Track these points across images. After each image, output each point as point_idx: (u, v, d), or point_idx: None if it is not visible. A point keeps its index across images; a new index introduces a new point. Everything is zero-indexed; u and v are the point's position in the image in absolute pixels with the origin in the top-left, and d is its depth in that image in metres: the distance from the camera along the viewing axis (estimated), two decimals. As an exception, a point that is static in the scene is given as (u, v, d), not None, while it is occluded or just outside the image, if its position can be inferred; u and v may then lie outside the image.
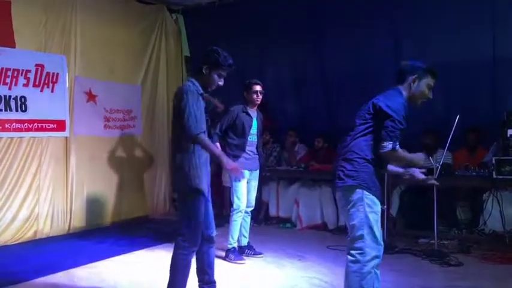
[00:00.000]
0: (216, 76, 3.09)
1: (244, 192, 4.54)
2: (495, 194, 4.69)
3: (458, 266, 4.17)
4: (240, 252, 4.57)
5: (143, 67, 6.70)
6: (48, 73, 5.47)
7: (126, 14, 6.45)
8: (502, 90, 5.29)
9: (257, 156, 4.67)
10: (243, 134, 4.55)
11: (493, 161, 4.53)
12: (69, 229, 5.70)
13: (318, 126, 6.41)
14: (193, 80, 3.12)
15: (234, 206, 4.55)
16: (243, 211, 4.56)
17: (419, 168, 3.04)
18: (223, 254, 4.60)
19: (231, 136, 4.57)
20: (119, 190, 6.33)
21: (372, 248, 2.66)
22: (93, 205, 6.03)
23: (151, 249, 4.87)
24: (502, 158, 4.48)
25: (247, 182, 4.60)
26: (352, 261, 2.69)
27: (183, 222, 3.04)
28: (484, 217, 4.82)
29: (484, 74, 5.31)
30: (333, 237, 5.43)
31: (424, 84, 2.76)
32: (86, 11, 5.90)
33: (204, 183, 3.03)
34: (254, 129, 4.64)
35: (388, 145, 2.60)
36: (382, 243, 2.72)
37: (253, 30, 6.65)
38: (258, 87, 4.55)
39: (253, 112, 4.64)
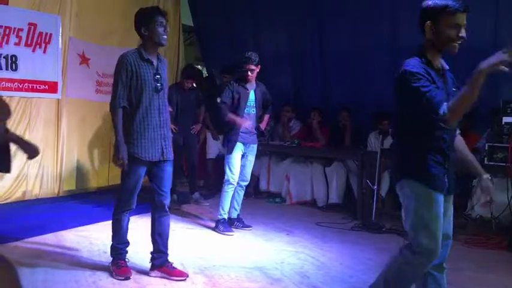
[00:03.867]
0: (154, 27, 3.01)
1: (237, 164, 4.53)
2: (485, 180, 4.71)
3: (443, 249, 4.23)
4: (229, 224, 4.59)
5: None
6: (41, 33, 5.35)
7: (124, -24, 6.28)
8: (498, 76, 5.27)
9: (255, 131, 4.66)
10: (238, 107, 4.52)
11: (486, 147, 4.54)
12: (58, 192, 5.68)
13: (313, 102, 6.39)
14: (140, 46, 3.09)
15: (226, 177, 4.55)
16: (235, 183, 4.55)
17: None
18: (213, 224, 4.64)
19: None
20: (108, 154, 6.28)
21: None
22: (84, 169, 6.00)
23: (141, 216, 4.87)
24: (495, 144, 4.49)
25: (243, 156, 4.60)
26: None
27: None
28: (472, 202, 4.86)
29: (479, 60, 5.27)
30: (322, 214, 5.48)
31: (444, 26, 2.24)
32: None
33: (140, 150, 3.05)
34: (251, 102, 4.60)
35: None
36: None
37: (252, 2, 6.53)
38: (249, 66, 4.50)
39: (250, 85, 4.60)
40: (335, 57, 6.15)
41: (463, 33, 2.24)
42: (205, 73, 8.20)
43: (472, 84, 2.00)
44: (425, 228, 2.25)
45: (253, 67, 4.53)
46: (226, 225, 4.54)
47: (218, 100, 5.18)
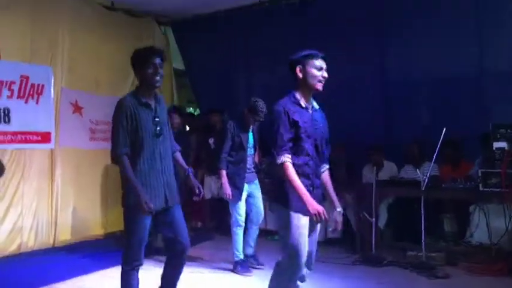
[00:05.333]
0: (146, 69, 2.90)
1: (243, 206, 4.58)
2: (481, 206, 4.72)
3: (446, 279, 4.19)
4: (247, 264, 4.59)
5: (129, 79, 6.63)
6: (33, 84, 5.41)
7: (114, 26, 6.42)
8: (487, 102, 5.37)
9: (254, 169, 4.71)
10: (242, 149, 4.57)
11: (479, 174, 4.56)
12: (54, 242, 5.60)
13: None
14: (135, 90, 2.98)
15: (233, 219, 4.59)
16: (243, 224, 4.59)
17: None
18: (231, 266, 4.65)
19: (230, 153, 4.59)
20: (105, 202, 6.25)
21: None
22: (79, 218, 5.94)
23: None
24: (488, 170, 4.51)
25: (249, 196, 4.63)
26: None
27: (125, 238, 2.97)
28: (470, 229, 4.85)
29: (468, 87, 5.38)
30: (322, 249, 5.33)
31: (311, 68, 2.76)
32: (73, 22, 5.87)
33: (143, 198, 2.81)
34: (250, 143, 4.67)
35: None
36: None
37: (243, 42, 6.68)
38: (259, 117, 4.50)
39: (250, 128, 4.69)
40: (326, 93, 6.23)
41: (325, 74, 2.76)
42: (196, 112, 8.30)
43: (303, 197, 2.60)
44: (293, 245, 2.65)
45: (263, 116, 4.54)
46: (244, 265, 4.55)
47: (210, 141, 5.23)
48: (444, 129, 4.41)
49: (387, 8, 5.64)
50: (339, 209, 2.89)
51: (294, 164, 2.67)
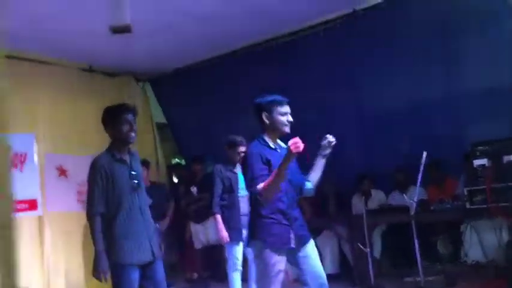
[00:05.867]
0: (119, 126, 2.95)
1: (240, 249, 4.51)
2: (472, 224, 4.76)
3: (446, 301, 4.17)
4: None
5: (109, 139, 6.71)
6: (16, 154, 5.42)
7: (94, 86, 6.52)
8: (464, 122, 5.50)
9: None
10: (232, 192, 4.56)
11: (465, 192, 4.63)
12: (49, 311, 5.46)
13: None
14: (107, 148, 3.02)
15: (231, 263, 4.50)
16: (241, 268, 4.50)
17: None
18: None
19: (222, 197, 4.57)
20: (87, 268, 6.12)
21: None
22: (72, 282, 5.81)
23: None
24: (472, 188, 4.58)
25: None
26: None
27: None
28: (464, 248, 4.86)
29: (443, 108, 5.53)
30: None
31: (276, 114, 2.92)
32: (53, 86, 5.98)
33: (127, 255, 2.85)
34: (242, 184, 4.64)
35: None
36: None
37: (221, 91, 6.82)
38: (242, 148, 4.54)
39: (237, 167, 4.63)
40: (305, 130, 6.32)
41: (290, 118, 2.92)
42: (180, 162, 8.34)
43: (282, 168, 2.63)
44: (266, 281, 2.75)
45: (244, 149, 4.55)
46: None
47: (193, 190, 5.26)
48: (425, 152, 4.50)
49: (357, 41, 5.82)
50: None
51: (269, 202, 2.78)
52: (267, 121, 2.93)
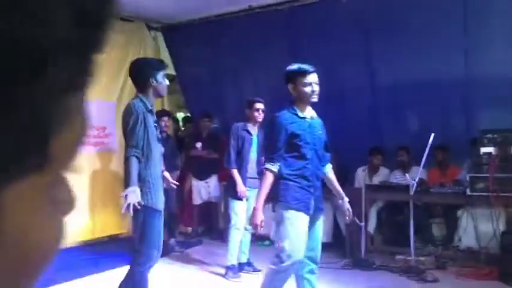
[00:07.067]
0: (159, 80, 3.07)
1: (242, 209, 4.51)
2: (469, 210, 4.77)
3: (435, 282, 4.22)
4: (239, 269, 4.54)
5: (119, 84, 6.63)
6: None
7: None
8: (474, 108, 5.44)
9: (257, 175, 4.65)
10: (242, 152, 4.55)
11: (467, 178, 4.62)
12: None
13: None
14: (142, 95, 3.08)
15: (232, 222, 4.52)
16: (242, 228, 4.51)
17: None
18: (223, 271, 4.60)
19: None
20: (92, 208, 6.21)
21: None
22: (68, 223, 5.87)
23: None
24: (475, 175, 4.57)
25: (247, 200, 4.54)
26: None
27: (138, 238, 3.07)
28: (458, 233, 4.89)
29: (456, 92, 5.45)
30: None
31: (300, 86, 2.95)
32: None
33: (156, 200, 3.05)
34: (254, 146, 4.64)
35: None
36: None
37: (233, 48, 6.69)
38: (259, 105, 4.58)
39: (253, 129, 4.64)
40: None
41: (315, 88, 2.93)
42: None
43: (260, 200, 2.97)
44: (290, 241, 2.81)
45: (263, 107, 4.56)
46: (235, 271, 4.50)
47: (198, 145, 5.23)
48: (432, 134, 4.46)
49: (375, 13, 5.68)
50: (346, 198, 3.19)
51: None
52: (293, 92, 2.99)
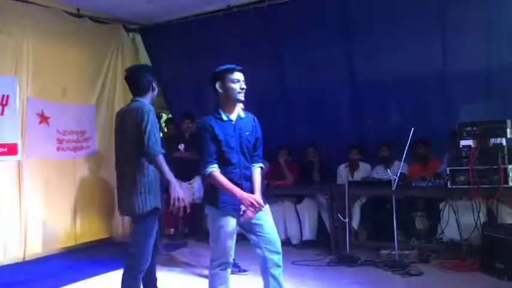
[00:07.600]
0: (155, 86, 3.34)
1: None
2: (451, 203, 4.83)
3: (419, 276, 4.25)
4: None
5: (97, 87, 6.54)
6: (-3, 96, 5.27)
7: (81, 33, 6.28)
8: (453, 102, 5.49)
9: None
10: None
11: (447, 172, 4.66)
12: (24, 256, 5.44)
13: (280, 141, 6.43)
14: (142, 99, 3.25)
15: None
16: None
17: None
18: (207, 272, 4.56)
19: None
20: (74, 213, 6.12)
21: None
22: (49, 230, 5.79)
23: (114, 273, 4.71)
24: (455, 168, 4.62)
25: None
26: None
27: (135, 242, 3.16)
28: (441, 226, 4.95)
29: (435, 86, 5.50)
30: (297, 252, 5.43)
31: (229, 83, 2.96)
32: (38, 30, 5.71)
33: (159, 201, 3.19)
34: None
35: None
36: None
37: (213, 49, 6.65)
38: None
39: None
40: (297, 95, 6.26)
41: (243, 85, 2.95)
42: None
43: (233, 192, 2.83)
44: (217, 243, 2.91)
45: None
46: None
47: (180, 147, 5.17)
48: (412, 129, 4.50)
49: (355, 10, 5.71)
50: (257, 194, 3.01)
51: (219, 171, 2.89)
52: (220, 90, 2.97)
